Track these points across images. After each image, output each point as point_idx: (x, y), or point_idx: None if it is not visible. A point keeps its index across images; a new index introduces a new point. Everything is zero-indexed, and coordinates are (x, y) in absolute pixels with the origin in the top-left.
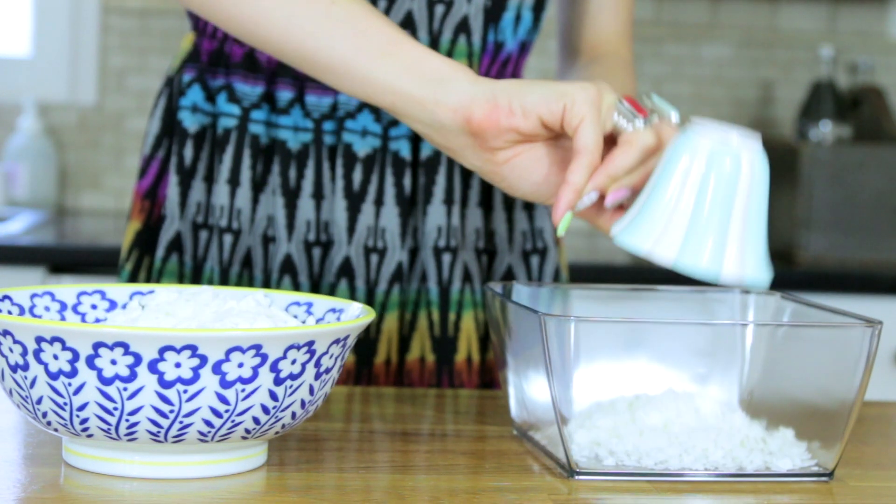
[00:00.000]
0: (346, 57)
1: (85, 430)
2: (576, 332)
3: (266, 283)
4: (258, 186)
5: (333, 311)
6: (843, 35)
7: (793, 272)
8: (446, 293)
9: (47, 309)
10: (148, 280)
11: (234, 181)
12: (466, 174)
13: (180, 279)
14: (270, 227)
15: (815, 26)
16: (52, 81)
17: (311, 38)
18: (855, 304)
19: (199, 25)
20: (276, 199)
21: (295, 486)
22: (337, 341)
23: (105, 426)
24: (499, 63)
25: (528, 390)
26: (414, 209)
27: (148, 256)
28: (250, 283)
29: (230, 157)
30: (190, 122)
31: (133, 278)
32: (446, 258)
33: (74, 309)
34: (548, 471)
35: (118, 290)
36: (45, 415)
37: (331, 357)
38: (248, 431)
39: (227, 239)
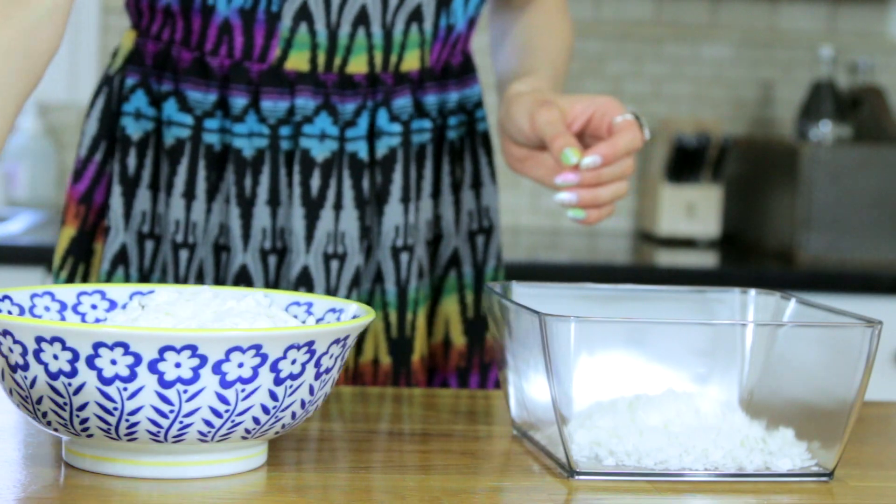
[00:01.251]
0: None
1: (85, 430)
2: (576, 332)
3: None
4: (210, 195)
5: (333, 311)
6: (843, 35)
7: (793, 272)
8: (404, 293)
9: (47, 309)
10: None
11: (189, 194)
12: (420, 167)
13: None
14: (222, 235)
15: (815, 26)
16: (52, 81)
17: None
18: (855, 304)
19: (142, 26)
20: (231, 208)
21: (294, 487)
22: (337, 341)
23: (105, 426)
24: (449, 45)
25: (528, 390)
26: (370, 209)
27: (83, 264)
28: None
29: (185, 170)
30: (133, 129)
31: None
32: (404, 258)
33: (74, 309)
34: (548, 471)
35: (118, 290)
36: (45, 415)
37: (331, 357)
38: (248, 431)
39: (184, 254)
